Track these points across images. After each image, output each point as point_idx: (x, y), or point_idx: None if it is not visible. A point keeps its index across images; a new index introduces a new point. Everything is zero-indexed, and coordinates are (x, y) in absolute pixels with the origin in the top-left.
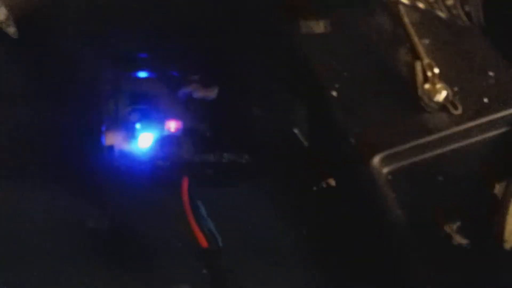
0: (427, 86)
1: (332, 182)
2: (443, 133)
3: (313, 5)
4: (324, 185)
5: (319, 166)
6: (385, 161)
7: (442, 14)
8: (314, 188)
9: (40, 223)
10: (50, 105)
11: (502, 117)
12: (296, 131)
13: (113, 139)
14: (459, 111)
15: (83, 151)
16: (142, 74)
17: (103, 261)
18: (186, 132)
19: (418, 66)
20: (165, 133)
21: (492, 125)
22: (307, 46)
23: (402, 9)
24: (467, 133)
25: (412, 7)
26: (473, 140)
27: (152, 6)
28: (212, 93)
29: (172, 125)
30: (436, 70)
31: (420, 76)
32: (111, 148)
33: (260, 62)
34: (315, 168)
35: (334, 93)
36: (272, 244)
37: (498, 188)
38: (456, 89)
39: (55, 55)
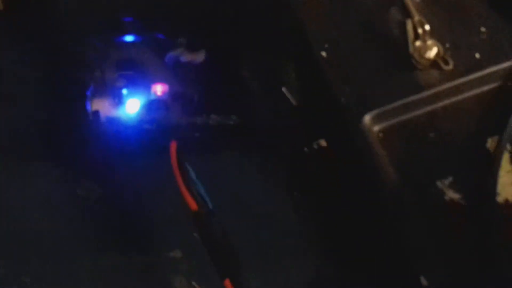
0: (418, 43)
1: (323, 143)
2: (434, 90)
3: None
4: (316, 146)
5: (310, 126)
6: (376, 119)
7: None
8: (305, 149)
9: (30, 194)
10: (34, 73)
11: (494, 72)
12: (284, 90)
13: (99, 105)
14: (450, 67)
15: (69, 119)
16: (128, 39)
17: (94, 229)
18: (174, 96)
19: (409, 24)
20: (152, 97)
21: (483, 80)
22: (296, 6)
23: None
24: (459, 89)
25: None
26: (464, 95)
27: None
28: (199, 57)
29: (159, 89)
30: (427, 27)
31: (411, 34)
32: (96, 114)
33: (248, 24)
34: (305, 129)
35: (324, 54)
36: (263, 206)
37: (490, 143)
38: (447, 45)
39: (38, 21)
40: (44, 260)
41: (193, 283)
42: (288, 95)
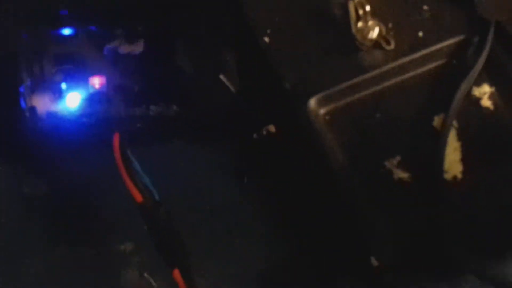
0: (360, 24)
1: (272, 128)
2: (378, 70)
3: None
4: (265, 132)
5: (256, 112)
6: (321, 102)
7: None
8: (254, 136)
9: None
10: None
11: (437, 50)
12: (222, 77)
13: (38, 100)
14: (392, 46)
15: (7, 116)
16: (65, 32)
17: (43, 226)
18: (114, 88)
19: (350, 5)
20: (91, 90)
21: (427, 58)
22: None
23: None
24: (403, 68)
25: None
26: (409, 74)
27: None
28: (138, 47)
29: (96, 81)
30: (368, 8)
31: (353, 15)
32: (33, 109)
33: (186, 11)
34: (251, 115)
35: (266, 39)
36: (212, 195)
37: (437, 121)
38: (390, 25)
39: None
40: None
41: (145, 275)
42: (227, 82)
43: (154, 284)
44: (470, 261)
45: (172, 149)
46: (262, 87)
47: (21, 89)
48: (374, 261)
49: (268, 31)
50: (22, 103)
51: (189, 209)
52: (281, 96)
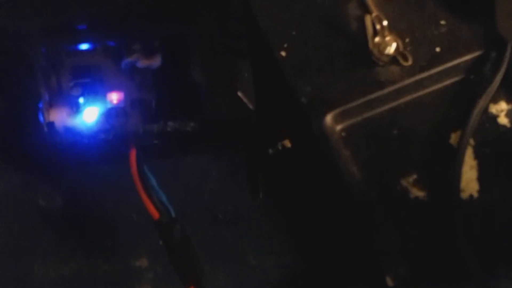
0: (377, 39)
1: (288, 143)
2: (395, 86)
3: None
4: (280, 147)
5: (271, 128)
6: (338, 118)
7: None
8: (270, 151)
9: None
10: None
11: (455, 66)
12: (240, 94)
13: (54, 115)
14: (409, 62)
15: (26, 129)
16: (83, 47)
17: (58, 239)
18: (132, 103)
19: (368, 20)
20: (109, 105)
21: (445, 74)
22: (253, 7)
23: None
24: (420, 84)
25: None
26: (426, 90)
27: None
28: (155, 61)
29: (114, 97)
30: (385, 23)
31: (370, 30)
32: (52, 125)
33: (202, 26)
34: (266, 131)
35: (283, 53)
36: (228, 210)
37: (454, 138)
38: (407, 40)
39: None
40: (6, 269)
41: None
42: (245, 99)
43: None
44: (486, 282)
45: (189, 164)
46: (278, 102)
47: (40, 105)
48: (389, 281)
49: (285, 45)
50: (41, 118)
51: (204, 224)
52: (297, 111)
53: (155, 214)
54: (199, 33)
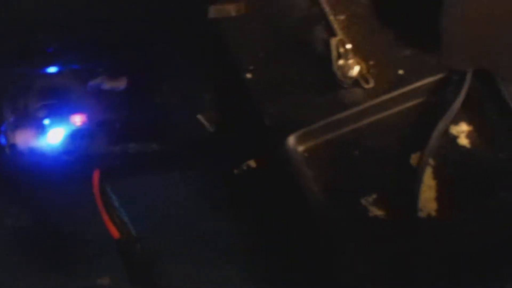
0: (340, 62)
1: (253, 163)
2: (358, 108)
3: None
4: (245, 167)
5: (235, 149)
6: (300, 139)
7: None
8: (235, 171)
9: None
10: None
11: (417, 88)
12: (200, 117)
13: (18, 137)
14: (371, 85)
15: None
16: (50, 69)
17: (24, 258)
18: (96, 124)
19: (333, 43)
20: (73, 127)
21: (407, 96)
22: (219, 29)
23: None
24: (382, 106)
25: None
26: (388, 112)
27: None
28: (120, 84)
29: (77, 119)
30: (348, 46)
31: (334, 53)
32: (13, 146)
33: (168, 50)
34: (230, 152)
35: (249, 75)
36: (189, 230)
37: (414, 158)
38: (371, 62)
39: None
40: None
41: None
42: (204, 122)
43: None
44: None
45: (150, 184)
46: (242, 123)
47: (2, 128)
48: None
49: (251, 68)
50: (3, 140)
51: (169, 241)
52: (261, 132)
53: (115, 233)
54: (162, 57)
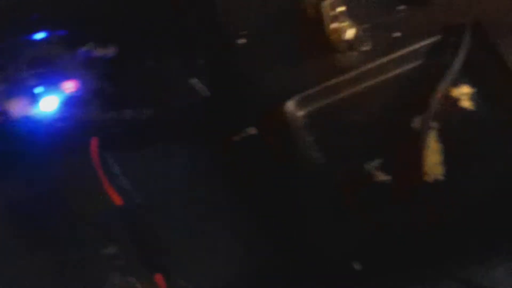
0: (334, 25)
1: (253, 131)
2: (355, 72)
3: None
4: (245, 135)
5: (233, 116)
6: (299, 104)
7: None
8: (235, 138)
9: None
10: None
11: (414, 51)
12: (194, 81)
13: (10, 105)
14: (368, 47)
15: None
16: (38, 36)
17: (25, 230)
18: (88, 92)
19: (325, 6)
20: (66, 94)
21: (404, 59)
22: None
23: None
24: (380, 70)
25: None
26: (387, 76)
27: None
28: (110, 51)
29: (70, 86)
30: (341, 8)
31: (327, 16)
32: (5, 113)
33: (158, 15)
34: (222, 118)
35: (243, 41)
36: (190, 197)
37: (416, 122)
38: (366, 26)
39: None
40: None
41: (129, 278)
42: (198, 87)
43: (139, 287)
44: (450, 265)
45: (151, 151)
46: (237, 90)
47: None
48: (357, 265)
49: (244, 33)
50: None
51: (169, 210)
52: (258, 99)
53: (118, 200)
54: (153, 22)
